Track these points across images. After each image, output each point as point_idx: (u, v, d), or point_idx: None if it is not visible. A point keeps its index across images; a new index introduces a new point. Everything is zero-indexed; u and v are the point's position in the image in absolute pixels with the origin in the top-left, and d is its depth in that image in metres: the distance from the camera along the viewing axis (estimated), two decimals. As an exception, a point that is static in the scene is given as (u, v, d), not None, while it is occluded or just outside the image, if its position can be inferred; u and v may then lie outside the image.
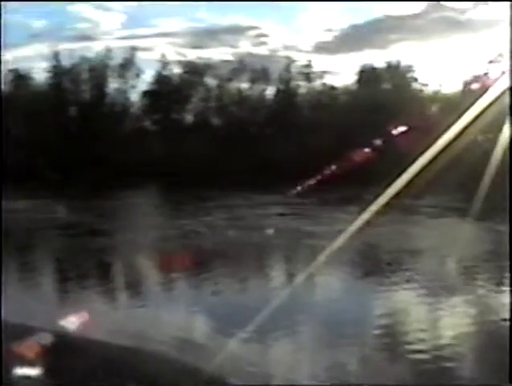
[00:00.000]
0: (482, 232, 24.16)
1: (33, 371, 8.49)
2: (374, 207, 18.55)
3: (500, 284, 16.67)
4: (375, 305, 14.81)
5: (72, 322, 10.06)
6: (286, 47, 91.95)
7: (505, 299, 14.96)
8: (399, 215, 27.17)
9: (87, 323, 11.22)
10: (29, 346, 8.60)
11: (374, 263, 20.14)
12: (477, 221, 23.68)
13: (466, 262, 18.90)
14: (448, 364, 10.44)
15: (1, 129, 50.05)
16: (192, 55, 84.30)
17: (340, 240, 17.62)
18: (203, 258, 19.94)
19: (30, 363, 8.44)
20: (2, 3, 50.16)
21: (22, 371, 8.45)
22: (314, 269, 15.84)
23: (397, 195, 17.47)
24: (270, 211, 31.17)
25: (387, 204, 18.20)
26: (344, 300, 15.26)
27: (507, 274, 17.66)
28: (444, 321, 13.19)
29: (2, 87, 62.50)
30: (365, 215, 19.04)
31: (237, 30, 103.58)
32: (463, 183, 27.34)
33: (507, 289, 16.02)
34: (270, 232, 22.78)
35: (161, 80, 67.80)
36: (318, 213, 29.87)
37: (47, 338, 8.98)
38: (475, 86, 8.40)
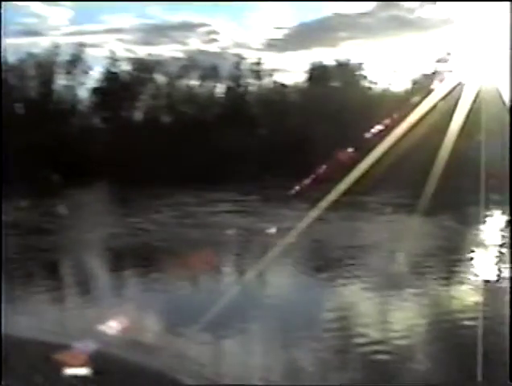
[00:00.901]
0: (430, 228, 24.43)
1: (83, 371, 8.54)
2: (323, 204, 18.69)
3: (447, 278, 16.89)
4: (323, 299, 14.80)
5: (111, 327, 10.02)
6: (237, 45, 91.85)
7: (453, 292, 15.18)
8: (349, 211, 27.46)
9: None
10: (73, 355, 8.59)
11: (323, 259, 20.19)
12: (425, 217, 24.03)
13: (414, 257, 19.05)
14: (391, 357, 10.47)
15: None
16: (142, 51, 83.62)
17: (290, 237, 17.64)
18: (150, 255, 19.78)
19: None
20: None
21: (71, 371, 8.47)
22: (263, 266, 15.77)
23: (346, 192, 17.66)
24: (218, 209, 31.03)
25: (337, 201, 18.37)
26: (292, 295, 15.18)
27: (454, 268, 17.93)
28: (391, 315, 13.25)
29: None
30: (314, 213, 19.15)
31: (188, 27, 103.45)
32: (410, 181, 27.75)
33: (455, 282, 16.29)
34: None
35: (110, 76, 66.81)
36: (266, 210, 29.86)
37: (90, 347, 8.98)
38: (424, 84, 8.46)
